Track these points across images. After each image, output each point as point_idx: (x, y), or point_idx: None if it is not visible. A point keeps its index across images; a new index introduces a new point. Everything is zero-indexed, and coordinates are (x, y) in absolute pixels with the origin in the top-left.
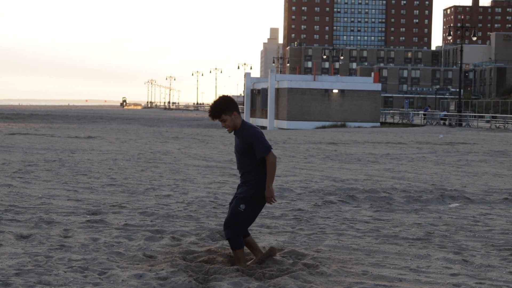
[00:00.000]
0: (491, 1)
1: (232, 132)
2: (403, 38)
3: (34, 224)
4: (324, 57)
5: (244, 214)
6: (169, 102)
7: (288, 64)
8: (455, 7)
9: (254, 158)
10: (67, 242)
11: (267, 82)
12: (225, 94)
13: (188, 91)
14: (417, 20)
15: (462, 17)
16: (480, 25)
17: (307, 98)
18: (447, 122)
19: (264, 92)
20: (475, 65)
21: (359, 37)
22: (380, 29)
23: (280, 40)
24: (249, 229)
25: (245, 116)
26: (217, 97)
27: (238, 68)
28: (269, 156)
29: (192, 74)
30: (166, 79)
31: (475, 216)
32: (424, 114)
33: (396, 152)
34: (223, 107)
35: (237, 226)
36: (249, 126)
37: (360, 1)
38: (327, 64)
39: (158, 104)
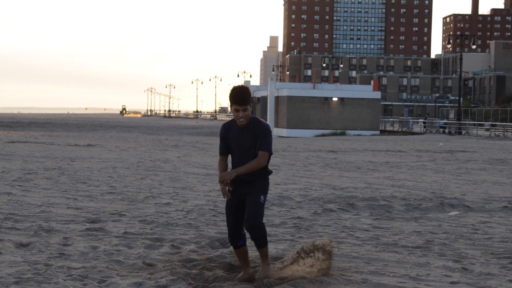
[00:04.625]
0: (491, 10)
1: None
2: (403, 46)
3: (33, 232)
4: (324, 65)
5: (263, 205)
6: (169, 110)
7: (287, 72)
8: (455, 15)
9: (255, 152)
10: (66, 250)
11: (266, 90)
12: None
13: (188, 99)
14: (416, 29)
15: (462, 25)
16: (480, 33)
17: (307, 106)
18: (446, 130)
19: (263, 100)
20: (474, 73)
21: (358, 45)
22: (379, 37)
23: (280, 48)
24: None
25: None
26: (238, 86)
27: (238, 76)
28: (265, 155)
29: (192, 82)
30: (166, 87)
31: (474, 224)
32: (424, 122)
33: (395, 160)
34: (249, 96)
35: (262, 220)
36: (260, 119)
37: (359, 10)
38: (326, 72)
39: (158, 112)
